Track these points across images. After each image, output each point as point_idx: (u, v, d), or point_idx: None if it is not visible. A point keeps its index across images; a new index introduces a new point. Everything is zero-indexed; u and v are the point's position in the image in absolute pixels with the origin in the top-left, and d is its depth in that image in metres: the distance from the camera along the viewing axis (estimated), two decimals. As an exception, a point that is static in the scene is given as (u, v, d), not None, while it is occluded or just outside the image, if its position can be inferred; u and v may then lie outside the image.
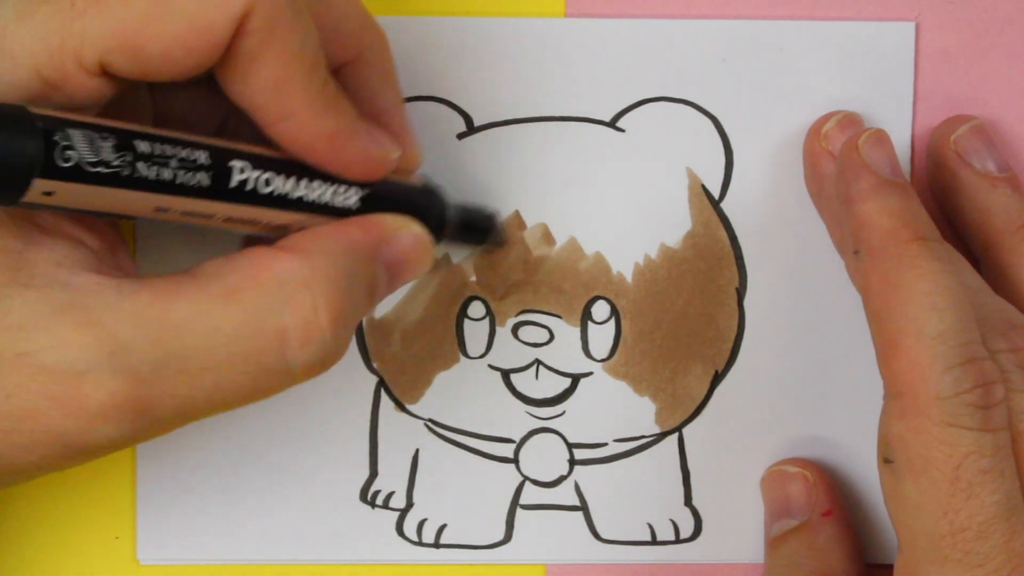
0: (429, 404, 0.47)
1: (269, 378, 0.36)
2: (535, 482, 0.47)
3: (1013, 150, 0.46)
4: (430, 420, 0.47)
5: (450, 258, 0.46)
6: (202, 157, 0.35)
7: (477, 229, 0.45)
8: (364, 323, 0.46)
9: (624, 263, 0.46)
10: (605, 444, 0.47)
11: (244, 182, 0.36)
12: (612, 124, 0.46)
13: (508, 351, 0.46)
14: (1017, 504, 0.38)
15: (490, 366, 0.47)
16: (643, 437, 0.47)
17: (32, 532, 0.47)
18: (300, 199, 0.38)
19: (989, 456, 0.37)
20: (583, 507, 0.47)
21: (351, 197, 0.39)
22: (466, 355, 0.46)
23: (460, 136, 0.46)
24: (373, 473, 0.47)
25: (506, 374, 0.46)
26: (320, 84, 0.37)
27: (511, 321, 0.46)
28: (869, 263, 0.40)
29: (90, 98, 0.35)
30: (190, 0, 0.34)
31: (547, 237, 0.46)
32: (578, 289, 0.46)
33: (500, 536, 0.47)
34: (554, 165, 0.46)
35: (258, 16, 0.35)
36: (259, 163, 0.37)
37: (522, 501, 0.47)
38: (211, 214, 0.36)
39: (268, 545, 0.46)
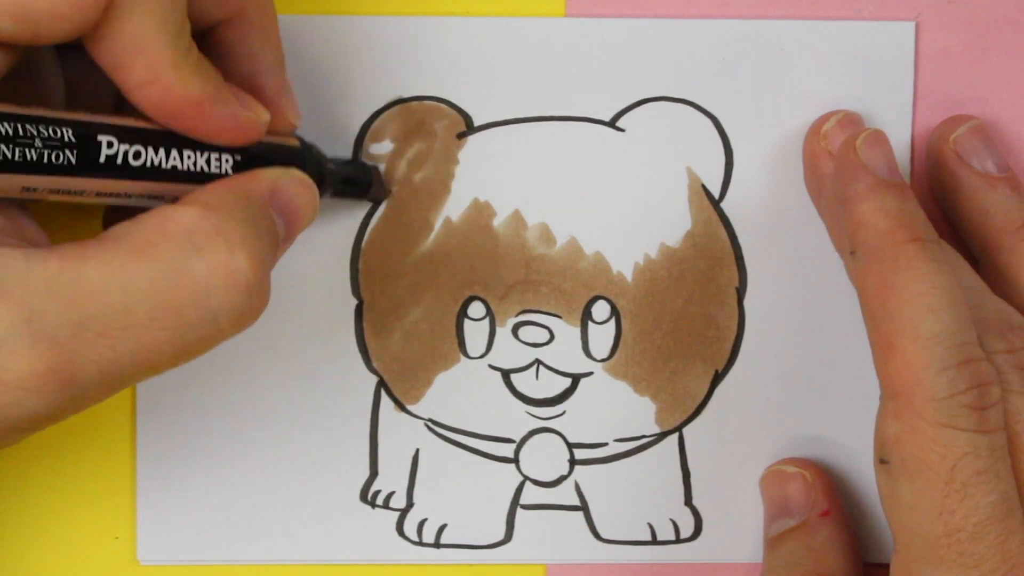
0: (429, 404, 0.47)
1: (194, 332, 0.35)
2: (535, 482, 0.47)
3: (1013, 150, 0.46)
4: (430, 420, 0.47)
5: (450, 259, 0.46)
6: (68, 134, 0.35)
7: (358, 182, 0.45)
8: (364, 324, 0.46)
9: (624, 263, 0.46)
10: (605, 444, 0.47)
11: (113, 157, 0.36)
12: (612, 124, 0.46)
13: (508, 351, 0.46)
14: (1012, 505, 0.38)
15: (490, 366, 0.47)
16: (643, 437, 0.47)
17: (32, 532, 0.47)
18: (173, 169, 0.37)
19: (984, 457, 0.37)
20: (583, 507, 0.47)
21: (225, 163, 0.39)
22: (466, 355, 0.47)
23: (460, 136, 0.46)
24: (373, 473, 0.47)
25: (506, 374, 0.46)
26: (184, 48, 0.36)
27: (511, 321, 0.46)
28: (866, 264, 0.40)
29: None
30: None
31: (547, 237, 0.46)
32: (578, 289, 0.46)
33: (500, 536, 0.47)
34: (554, 165, 0.46)
35: None
36: (127, 136, 0.36)
37: (522, 501, 0.47)
38: (81, 190, 0.35)
39: (268, 545, 0.47)
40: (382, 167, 0.46)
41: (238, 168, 0.39)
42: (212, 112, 0.37)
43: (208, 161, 0.38)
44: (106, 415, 0.46)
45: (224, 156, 0.39)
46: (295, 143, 0.42)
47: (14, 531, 0.47)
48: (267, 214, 0.38)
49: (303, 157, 0.41)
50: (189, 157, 0.38)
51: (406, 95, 0.46)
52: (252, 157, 0.39)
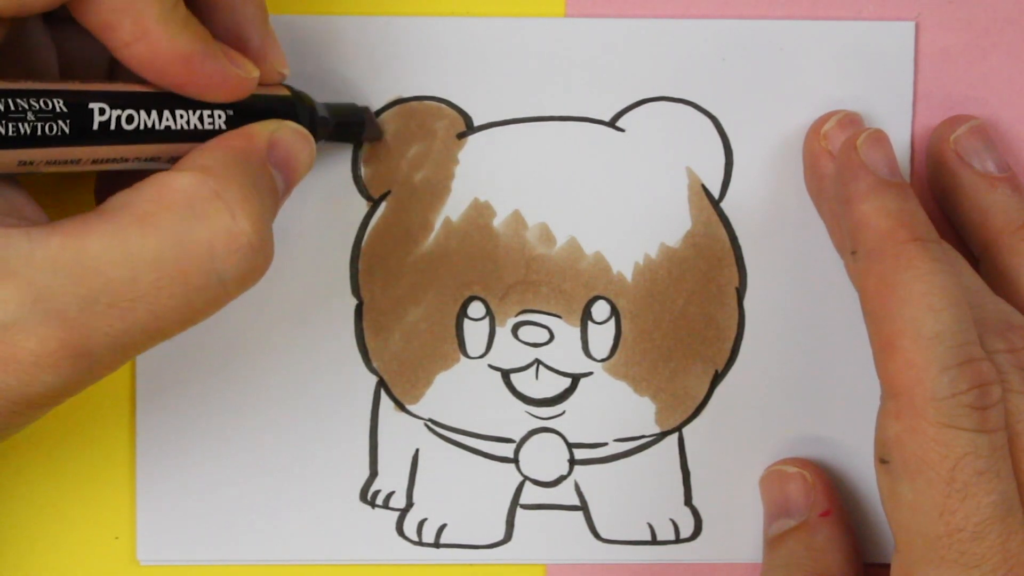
0: (429, 404, 0.47)
1: (200, 296, 0.35)
2: (535, 482, 0.47)
3: (1013, 150, 0.46)
4: (430, 420, 0.47)
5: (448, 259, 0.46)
6: (59, 105, 0.35)
7: (351, 124, 0.45)
8: (364, 323, 0.46)
9: (624, 263, 0.46)
10: (605, 444, 0.47)
11: (106, 123, 0.36)
12: (612, 124, 0.46)
13: (508, 351, 0.46)
14: (1013, 505, 0.38)
15: (490, 366, 0.47)
16: (643, 437, 0.47)
17: (32, 532, 0.47)
18: (167, 130, 0.37)
19: (985, 457, 0.37)
20: (583, 507, 0.47)
21: (218, 119, 0.39)
22: (466, 355, 0.47)
23: (460, 136, 0.46)
24: (373, 473, 0.47)
25: (506, 374, 0.46)
26: (171, 4, 0.36)
27: (511, 321, 0.46)
28: (866, 264, 0.40)
29: None
30: None
31: (547, 237, 0.46)
32: (578, 289, 0.46)
33: (500, 536, 0.47)
34: (554, 165, 0.46)
35: None
36: (119, 101, 0.36)
37: (522, 501, 0.47)
38: (77, 159, 0.35)
39: (268, 545, 0.46)
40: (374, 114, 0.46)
41: (231, 123, 0.39)
42: (202, 68, 0.37)
43: (201, 119, 0.38)
44: (106, 414, 0.46)
45: (217, 112, 0.39)
46: (286, 92, 0.42)
47: (14, 531, 0.47)
48: (265, 171, 0.38)
49: (294, 106, 0.41)
50: (182, 116, 0.38)
51: (406, 95, 0.46)
52: (244, 111, 0.39)
